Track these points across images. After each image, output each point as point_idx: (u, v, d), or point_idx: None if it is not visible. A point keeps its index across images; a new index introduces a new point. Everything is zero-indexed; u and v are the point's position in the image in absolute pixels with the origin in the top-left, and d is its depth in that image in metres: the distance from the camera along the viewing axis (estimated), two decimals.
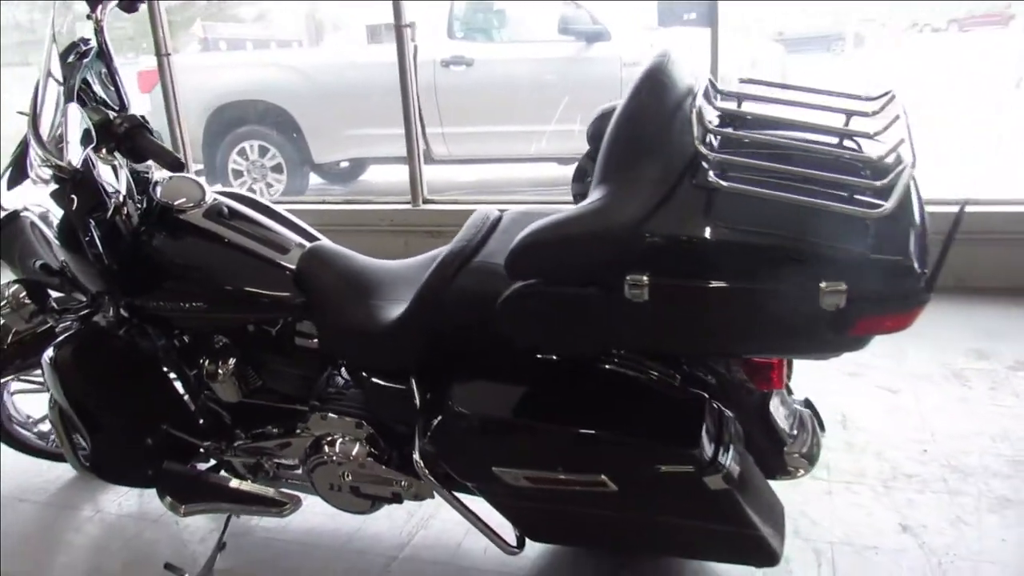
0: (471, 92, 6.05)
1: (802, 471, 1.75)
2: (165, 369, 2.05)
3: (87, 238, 1.74)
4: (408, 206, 4.53)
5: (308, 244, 1.97)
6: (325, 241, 2.01)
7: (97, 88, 2.04)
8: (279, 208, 2.12)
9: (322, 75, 6.29)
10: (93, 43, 2.01)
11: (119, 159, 1.93)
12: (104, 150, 1.77)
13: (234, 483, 2.07)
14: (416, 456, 1.68)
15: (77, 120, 1.71)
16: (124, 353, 2.00)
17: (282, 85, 6.26)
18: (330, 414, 1.94)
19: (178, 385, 2.08)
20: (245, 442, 2.07)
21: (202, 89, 6.35)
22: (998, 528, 2.03)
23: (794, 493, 2.21)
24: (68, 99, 1.81)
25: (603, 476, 1.49)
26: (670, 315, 1.38)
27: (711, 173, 1.32)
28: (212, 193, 2.01)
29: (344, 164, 7.07)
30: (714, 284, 1.33)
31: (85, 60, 2.00)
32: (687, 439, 1.47)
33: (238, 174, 6.41)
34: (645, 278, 1.33)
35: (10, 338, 2.15)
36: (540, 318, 1.46)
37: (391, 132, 6.19)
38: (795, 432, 1.75)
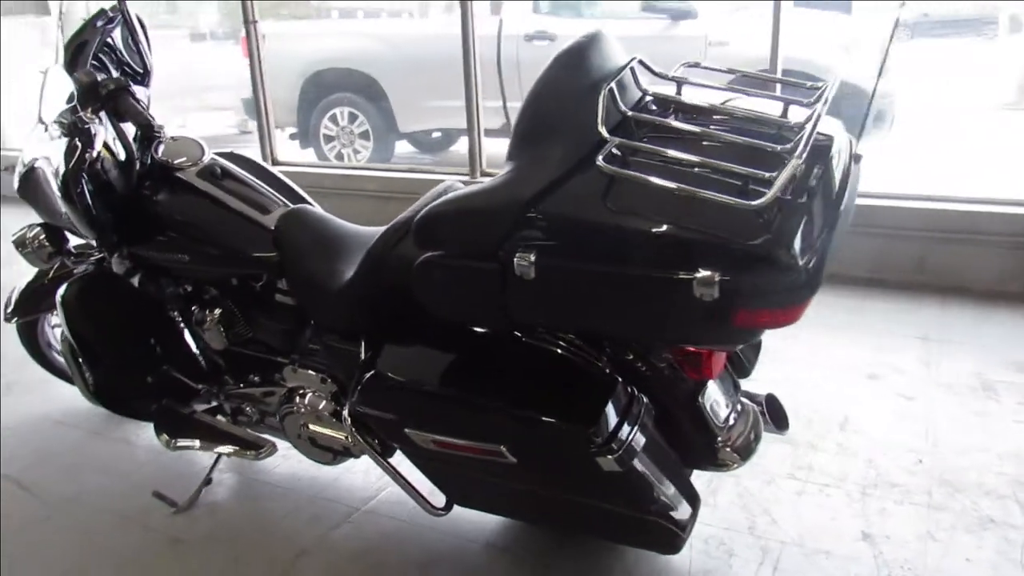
0: None
1: (734, 464, 1.73)
2: (174, 315, 2.22)
3: (78, 190, 1.91)
4: (467, 178, 4.60)
5: (291, 206, 2.08)
6: (306, 206, 2.11)
7: (123, 52, 2.22)
8: (276, 171, 2.25)
9: (407, 46, 6.44)
10: (118, 12, 2.18)
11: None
12: (90, 110, 1.93)
13: (220, 425, 2.23)
14: (345, 412, 1.77)
15: (58, 82, 1.87)
16: (128, 296, 2.19)
17: (371, 54, 6.45)
18: (301, 369, 2.06)
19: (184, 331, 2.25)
20: (233, 388, 2.22)
21: (298, 56, 6.66)
22: (968, 548, 1.93)
23: (765, 490, 2.17)
24: (73, 63, 1.98)
25: (502, 447, 1.53)
26: (556, 294, 1.39)
27: (600, 157, 1.33)
28: (210, 153, 2.15)
29: (436, 134, 7.23)
30: (596, 267, 1.34)
31: (109, 27, 2.17)
32: (584, 417, 1.48)
33: (329, 139, 6.66)
34: (532, 256, 1.35)
35: (45, 279, 2.40)
36: (443, 289, 1.50)
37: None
38: (729, 424, 1.72)
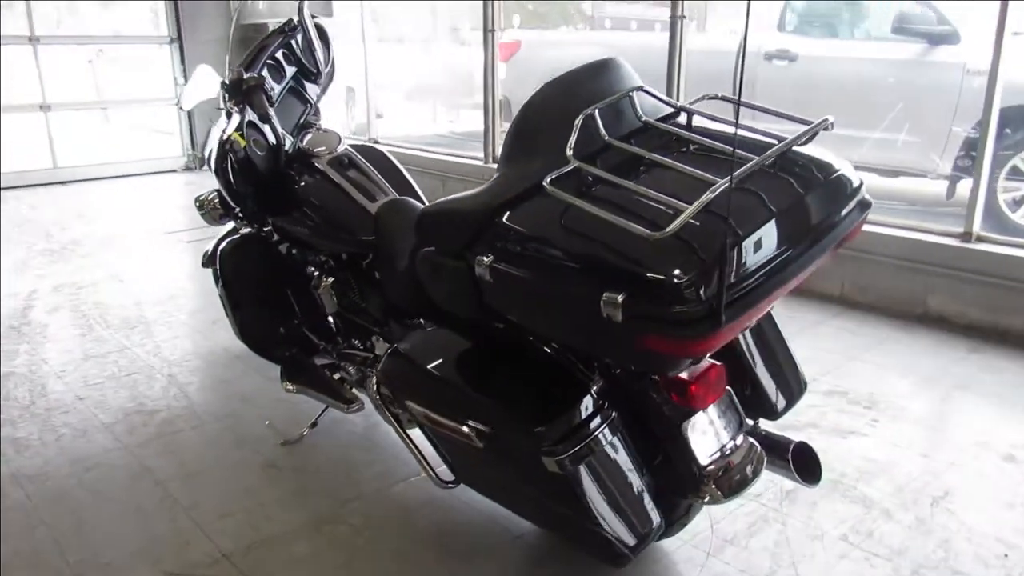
0: (790, 88, 5.83)
1: (716, 500, 1.71)
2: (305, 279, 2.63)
3: (222, 165, 2.35)
4: None
5: (394, 196, 2.37)
6: (407, 197, 2.39)
7: (301, 54, 2.66)
8: (401, 167, 2.56)
9: (632, 57, 6.57)
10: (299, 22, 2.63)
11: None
12: (233, 101, 2.36)
13: (326, 378, 2.59)
14: (372, 380, 2.01)
15: (206, 76, 2.31)
16: (271, 258, 2.63)
17: None
18: (383, 340, 2.35)
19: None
20: (343, 348, 2.58)
21: (545, 62, 7.08)
22: None
23: (806, 545, 2.09)
24: (249, 63, 2.43)
25: (470, 431, 1.67)
26: (508, 297, 1.52)
27: (549, 178, 1.43)
28: (345, 145, 2.51)
29: None
30: (533, 279, 1.45)
31: (291, 33, 2.62)
32: (538, 416, 1.58)
33: None
34: (488, 260, 1.49)
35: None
36: (433, 281, 1.69)
37: None
38: (718, 458, 1.70)
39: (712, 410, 1.71)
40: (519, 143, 1.59)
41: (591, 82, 1.60)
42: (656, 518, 1.67)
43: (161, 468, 2.46)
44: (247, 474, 2.43)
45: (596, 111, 1.52)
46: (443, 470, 1.98)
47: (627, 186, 1.40)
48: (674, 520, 1.91)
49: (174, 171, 7.37)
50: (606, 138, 1.53)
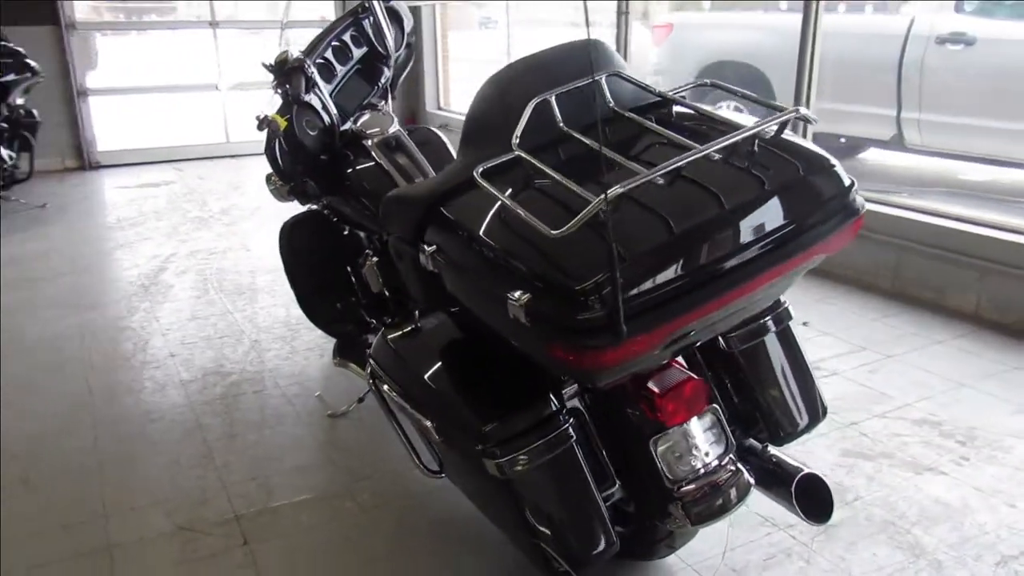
0: (964, 76, 5.23)
1: (682, 526, 1.56)
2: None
3: (268, 145, 2.43)
4: None
5: None
6: None
7: (373, 38, 2.71)
8: (454, 151, 2.54)
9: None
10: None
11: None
12: (276, 83, 2.42)
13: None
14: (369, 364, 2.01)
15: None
16: (328, 236, 2.70)
17: (764, 49, 6.26)
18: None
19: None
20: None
21: (700, 47, 6.78)
22: None
23: None
24: (310, 48, 2.49)
25: (429, 423, 1.63)
26: (448, 289, 1.45)
27: (480, 168, 1.34)
28: (396, 128, 2.53)
29: (842, 139, 6.79)
30: (461, 271, 1.37)
31: (361, 16, 2.67)
32: (485, 415, 1.50)
33: None
34: (429, 248, 1.44)
35: None
36: (399, 267, 1.65)
37: (858, 110, 5.80)
38: (682, 481, 1.54)
39: (688, 428, 1.56)
40: (474, 128, 1.52)
41: (562, 65, 1.49)
42: (607, 539, 1.53)
43: (211, 427, 2.61)
44: (282, 441, 2.53)
45: (554, 97, 1.42)
46: (430, 459, 1.95)
47: (561, 180, 1.29)
48: (656, 540, 1.77)
49: None
50: (562, 127, 1.42)
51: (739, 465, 1.61)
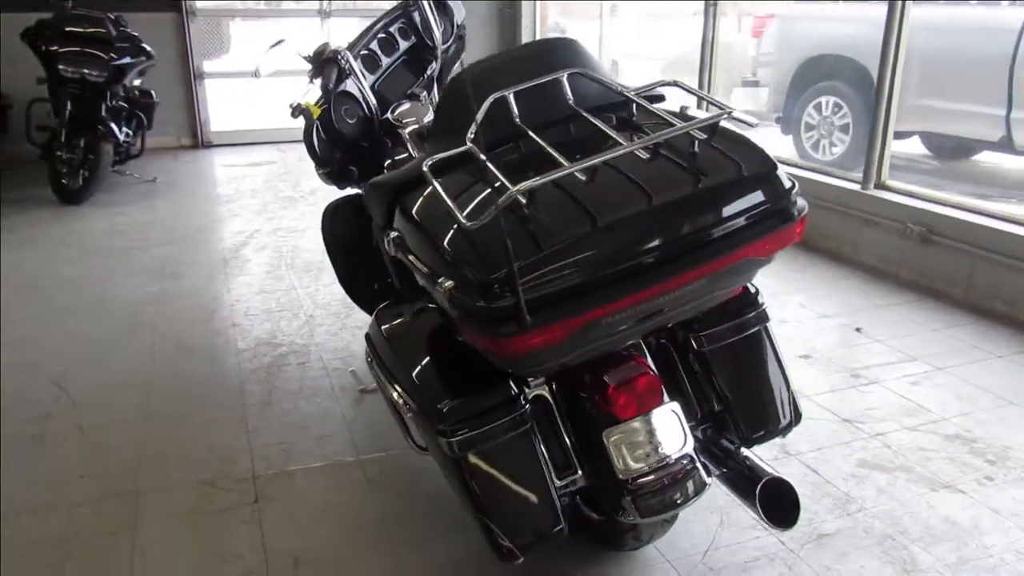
0: None
1: (633, 519, 1.58)
2: None
3: (309, 132, 2.58)
4: (856, 187, 4.14)
5: None
6: None
7: (421, 30, 2.81)
8: None
9: (913, 37, 5.82)
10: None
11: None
12: (311, 74, 2.54)
13: None
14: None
15: (283, 49, 2.52)
16: (367, 220, 2.83)
17: (868, 43, 5.97)
18: None
19: None
20: None
21: (796, 39, 6.55)
22: None
23: None
24: (354, 42, 2.62)
25: (402, 401, 1.71)
26: (404, 273, 1.53)
27: (429, 160, 1.41)
28: (432, 117, 2.62)
29: (949, 140, 6.44)
30: (410, 257, 1.45)
31: (411, 9, 2.78)
32: (443, 394, 1.57)
33: (809, 127, 6.49)
34: (391, 235, 1.52)
35: None
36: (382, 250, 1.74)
37: (963, 108, 5.47)
38: (633, 475, 1.57)
39: (642, 422, 1.58)
40: (440, 122, 1.59)
41: (530, 62, 1.54)
42: (554, 524, 1.58)
43: (253, 394, 2.81)
44: (313, 411, 2.69)
45: (511, 94, 1.47)
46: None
47: (500, 176, 1.34)
48: (622, 531, 1.80)
49: None
50: (518, 123, 1.47)
51: (696, 463, 1.62)
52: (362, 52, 2.64)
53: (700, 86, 5.31)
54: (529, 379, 1.64)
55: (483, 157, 1.39)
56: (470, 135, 1.44)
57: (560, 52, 1.57)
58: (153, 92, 6.13)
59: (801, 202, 1.43)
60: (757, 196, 1.37)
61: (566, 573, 1.93)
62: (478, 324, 1.27)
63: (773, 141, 6.71)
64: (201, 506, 2.18)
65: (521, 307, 1.20)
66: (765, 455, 2.35)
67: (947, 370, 2.92)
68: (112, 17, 5.46)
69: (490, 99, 1.46)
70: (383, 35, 2.72)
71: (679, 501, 1.58)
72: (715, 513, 2.12)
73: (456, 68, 3.12)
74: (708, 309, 1.68)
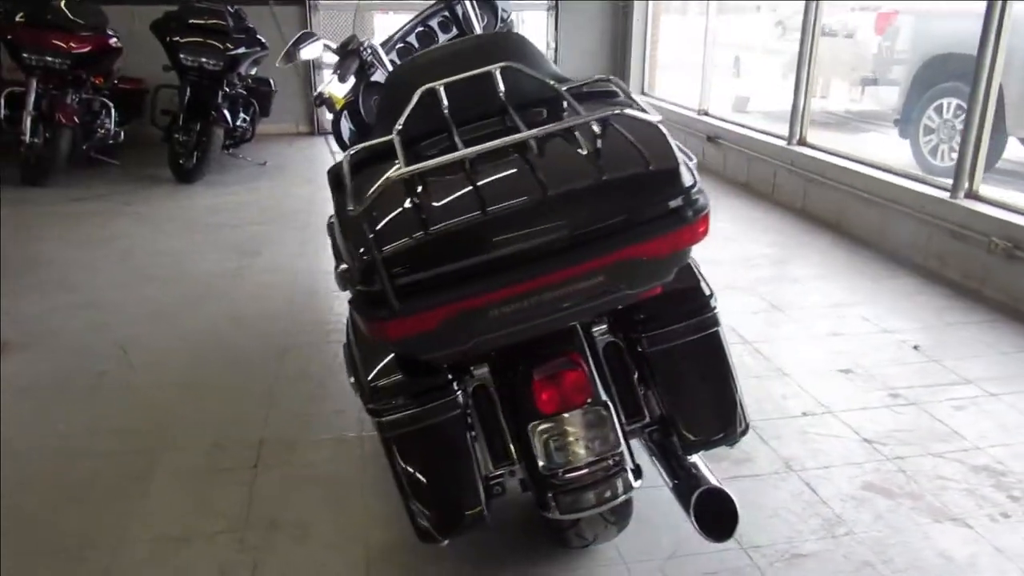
0: None
1: (553, 515, 1.59)
2: None
3: (336, 120, 2.69)
4: (945, 195, 3.85)
5: None
6: None
7: (462, 23, 2.88)
8: None
9: None
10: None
11: None
12: (336, 66, 2.64)
13: None
14: None
15: (312, 41, 2.63)
16: None
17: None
18: None
19: None
20: None
21: (921, 37, 6.15)
22: None
23: None
24: (389, 38, 2.71)
25: (352, 379, 1.78)
26: None
27: (355, 149, 1.47)
28: None
29: None
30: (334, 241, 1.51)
31: (453, 1, 2.85)
32: (371, 376, 1.62)
33: (928, 131, 6.09)
34: (328, 221, 1.60)
35: None
36: None
37: None
38: (556, 471, 1.57)
39: (569, 418, 1.58)
40: (381, 110, 1.64)
41: (471, 55, 1.57)
42: (475, 511, 1.60)
43: (287, 368, 2.98)
44: (336, 389, 2.82)
45: (442, 87, 1.50)
46: None
47: (400, 162, 1.38)
48: (563, 528, 1.80)
49: None
50: (445, 115, 1.51)
51: (625, 465, 1.61)
52: (398, 45, 2.73)
53: (797, 85, 5.08)
54: (471, 368, 1.68)
55: (399, 148, 1.44)
56: (398, 126, 1.49)
57: (502, 46, 1.59)
58: (272, 81, 6.53)
59: (702, 202, 1.38)
60: (651, 194, 1.34)
61: (520, 569, 1.95)
62: (359, 307, 1.32)
63: (887, 145, 6.33)
64: (207, 464, 2.36)
65: (388, 291, 1.24)
66: (764, 467, 2.29)
67: (1000, 397, 2.69)
68: (232, 10, 5.86)
69: (420, 91, 1.50)
70: (422, 28, 2.80)
71: (599, 501, 1.58)
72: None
73: None
74: (658, 309, 1.65)
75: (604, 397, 1.62)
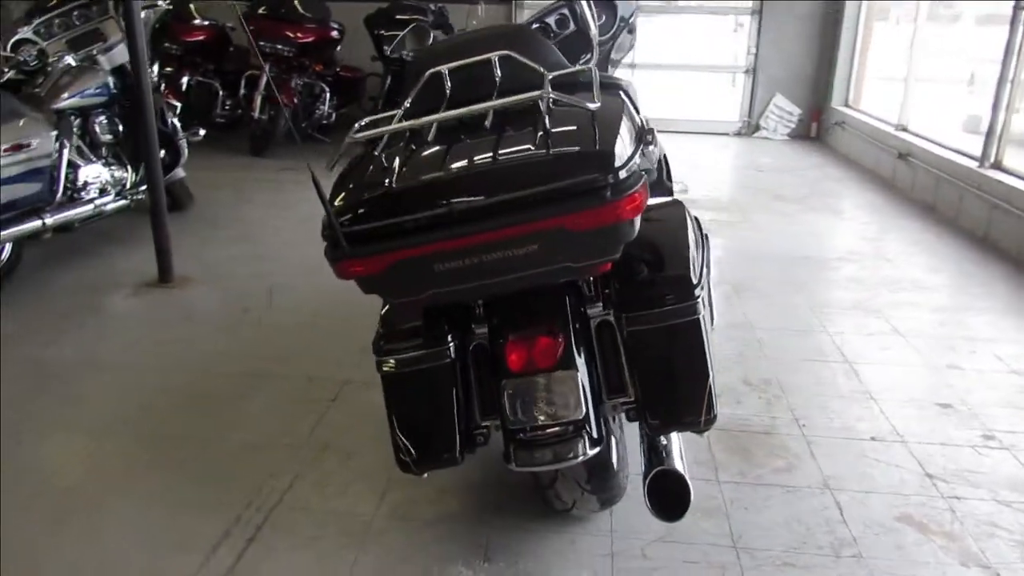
0: None
1: (513, 466, 1.73)
2: None
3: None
4: None
5: None
6: None
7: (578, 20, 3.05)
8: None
9: None
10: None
11: None
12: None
13: None
14: None
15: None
16: None
17: None
18: None
19: None
20: None
21: None
22: None
23: None
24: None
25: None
26: None
27: (362, 121, 1.70)
28: None
29: None
30: None
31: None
32: (383, 327, 1.87)
33: None
34: None
35: None
36: None
37: None
38: (520, 427, 1.71)
39: (535, 380, 1.71)
40: (392, 91, 1.86)
41: (480, 44, 1.74)
42: (448, 454, 1.77)
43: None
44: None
45: (446, 69, 1.70)
46: None
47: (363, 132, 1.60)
48: (543, 487, 1.93)
49: (726, 134, 7.93)
50: (447, 95, 1.70)
51: (584, 431, 1.70)
52: None
53: (996, 101, 4.63)
54: (475, 327, 1.86)
55: (398, 121, 1.65)
56: (407, 103, 1.70)
57: (511, 37, 1.74)
58: (363, 69, 6.98)
59: (630, 183, 1.45)
60: (578, 171, 1.44)
61: (515, 520, 2.10)
62: (325, 250, 1.56)
63: None
64: (297, 395, 2.73)
65: (338, 236, 1.47)
66: (801, 480, 2.24)
67: None
68: (435, 8, 6.38)
69: (428, 73, 1.70)
70: (538, 25, 2.99)
71: (553, 459, 1.69)
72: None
73: (628, 57, 3.28)
74: (643, 292, 1.72)
75: (581, 367, 1.73)
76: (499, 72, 1.73)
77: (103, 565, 1.96)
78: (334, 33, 6.63)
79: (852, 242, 4.55)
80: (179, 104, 6.30)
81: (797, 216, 5.06)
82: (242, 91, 6.63)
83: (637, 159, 1.55)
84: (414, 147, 1.60)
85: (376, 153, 1.66)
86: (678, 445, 1.82)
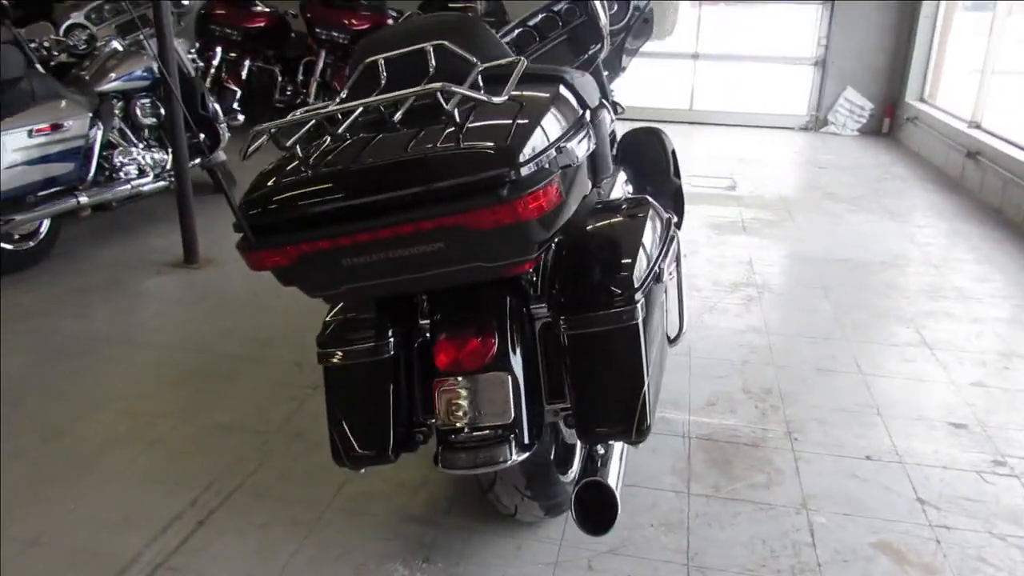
0: None
1: (438, 467, 1.68)
2: None
3: None
4: None
5: None
6: None
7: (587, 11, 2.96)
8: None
9: None
10: None
11: None
12: None
13: None
14: None
15: None
16: None
17: None
18: None
19: None
20: None
21: None
22: None
23: None
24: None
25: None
26: None
27: (299, 111, 1.67)
28: None
29: None
30: None
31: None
32: (329, 312, 1.84)
33: None
34: None
35: None
36: None
37: None
38: (448, 428, 1.66)
39: (464, 382, 1.65)
40: (349, 73, 1.81)
41: (422, 33, 1.69)
42: (381, 452, 1.73)
43: None
44: None
45: (382, 59, 1.65)
46: None
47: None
48: (485, 490, 1.88)
49: (791, 128, 7.60)
50: (382, 85, 1.65)
51: (511, 436, 1.64)
52: (517, 29, 2.87)
53: None
54: (420, 321, 1.82)
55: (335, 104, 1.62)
56: (343, 92, 1.66)
57: (453, 27, 1.68)
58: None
59: (530, 183, 1.37)
60: (477, 167, 1.37)
61: (465, 522, 2.06)
62: (238, 241, 1.54)
63: None
64: (281, 380, 2.75)
65: (244, 227, 1.44)
66: (779, 498, 2.12)
67: None
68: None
69: (364, 62, 1.66)
70: (545, 14, 2.91)
71: (475, 464, 1.63)
72: (647, 517, 2.03)
73: (644, 47, 3.18)
74: (581, 294, 1.65)
75: (516, 369, 1.67)
76: (434, 62, 1.67)
77: (40, 536, 2.00)
78: (389, 21, 6.66)
79: (899, 245, 4.28)
80: (239, 90, 6.51)
81: (845, 216, 4.80)
82: (299, 77, 6.75)
83: (552, 155, 1.47)
84: (330, 139, 1.57)
85: (290, 144, 1.63)
86: (617, 455, 1.74)
